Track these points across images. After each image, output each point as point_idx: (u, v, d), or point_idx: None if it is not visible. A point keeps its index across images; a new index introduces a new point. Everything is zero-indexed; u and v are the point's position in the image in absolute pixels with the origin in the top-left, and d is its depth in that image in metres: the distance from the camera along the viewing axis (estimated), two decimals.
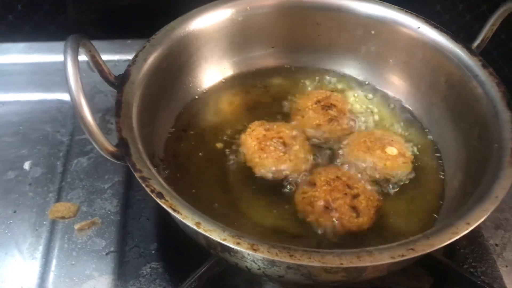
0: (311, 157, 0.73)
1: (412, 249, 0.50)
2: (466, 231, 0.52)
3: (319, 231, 0.66)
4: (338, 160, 0.74)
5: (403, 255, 0.50)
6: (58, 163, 0.82)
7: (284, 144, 0.71)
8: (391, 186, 0.72)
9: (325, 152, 0.75)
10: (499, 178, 0.58)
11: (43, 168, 0.81)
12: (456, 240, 0.74)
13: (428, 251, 0.50)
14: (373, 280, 0.68)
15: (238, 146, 0.75)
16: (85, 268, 0.69)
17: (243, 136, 0.74)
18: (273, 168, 0.70)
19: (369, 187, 0.69)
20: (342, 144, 0.75)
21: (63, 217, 0.74)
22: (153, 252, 0.71)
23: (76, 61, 0.53)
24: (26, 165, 0.81)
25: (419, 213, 0.69)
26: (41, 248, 0.71)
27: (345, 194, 0.66)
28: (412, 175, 0.73)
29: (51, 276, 0.68)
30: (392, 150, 0.71)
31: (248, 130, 0.74)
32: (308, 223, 0.67)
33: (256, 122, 0.75)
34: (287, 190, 0.71)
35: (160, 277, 0.68)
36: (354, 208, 0.66)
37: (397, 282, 0.70)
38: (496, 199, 0.55)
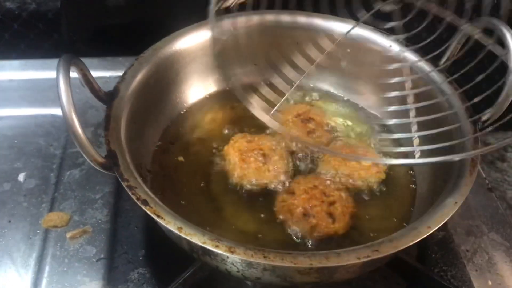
0: (290, 167, 0.77)
1: (376, 250, 0.55)
2: (427, 234, 0.57)
3: (298, 236, 0.70)
4: (317, 170, 0.78)
5: (368, 256, 0.54)
6: (51, 175, 0.86)
7: (264, 155, 0.75)
8: (366, 193, 0.76)
9: (305, 162, 0.80)
10: (459, 186, 0.63)
11: (37, 180, 0.85)
12: (427, 245, 0.80)
13: (392, 252, 0.55)
14: (347, 284, 0.73)
15: (222, 158, 0.79)
16: (76, 275, 0.73)
17: (226, 148, 0.78)
18: (254, 178, 0.74)
19: (344, 194, 0.73)
20: (320, 155, 0.80)
21: (55, 226, 0.78)
22: (141, 258, 0.75)
23: (67, 79, 0.57)
24: (21, 177, 0.84)
25: (391, 219, 0.74)
26: (34, 255, 0.75)
27: (322, 201, 0.71)
28: (383, 186, 0.78)
29: (44, 283, 0.72)
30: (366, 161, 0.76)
31: (231, 142, 0.78)
32: (287, 228, 0.71)
33: (239, 135, 0.79)
34: (268, 198, 0.75)
35: (147, 282, 0.72)
36: (330, 214, 0.70)
37: (371, 287, 0.75)
38: (455, 205, 0.60)
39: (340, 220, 0.70)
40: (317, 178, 0.76)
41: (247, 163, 0.74)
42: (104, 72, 1.01)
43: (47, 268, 0.73)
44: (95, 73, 0.98)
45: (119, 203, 0.82)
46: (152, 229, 0.76)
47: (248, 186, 0.75)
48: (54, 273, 0.73)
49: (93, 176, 0.85)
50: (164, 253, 0.74)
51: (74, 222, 0.79)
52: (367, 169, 0.76)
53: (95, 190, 0.84)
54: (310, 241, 0.70)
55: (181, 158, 0.80)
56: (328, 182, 0.75)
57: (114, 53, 1.04)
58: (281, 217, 0.72)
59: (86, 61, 0.80)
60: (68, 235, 0.77)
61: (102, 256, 0.75)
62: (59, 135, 0.92)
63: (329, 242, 0.70)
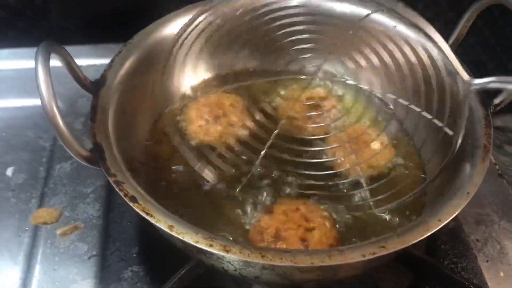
0: None
1: (383, 246, 0.51)
2: (437, 228, 0.53)
3: None
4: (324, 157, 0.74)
5: (374, 253, 0.50)
6: (40, 168, 0.82)
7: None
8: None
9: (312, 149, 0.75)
10: (472, 174, 0.58)
11: (25, 174, 0.81)
12: (435, 236, 0.76)
13: (399, 248, 0.51)
14: (352, 277, 0.69)
15: None
16: (67, 273, 0.70)
17: None
18: None
19: (328, 224, 0.66)
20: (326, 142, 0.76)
21: (45, 223, 0.75)
22: (134, 255, 0.72)
23: (47, 67, 0.53)
24: (9, 171, 0.81)
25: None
26: (23, 254, 0.71)
27: (299, 225, 0.64)
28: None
29: (34, 282, 0.69)
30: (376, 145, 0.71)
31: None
32: None
33: None
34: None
35: (141, 281, 0.69)
36: (303, 241, 0.63)
37: (380, 278, 0.71)
38: (468, 195, 0.56)
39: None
40: (305, 202, 0.68)
41: None
42: (96, 60, 0.98)
43: (37, 267, 0.70)
44: (86, 61, 0.96)
45: (112, 197, 0.78)
46: (146, 225, 0.71)
47: None
48: (45, 271, 0.70)
49: (84, 170, 0.82)
50: (158, 250, 0.71)
51: (65, 218, 0.76)
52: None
53: (87, 184, 0.80)
54: None
55: (175, 149, 0.76)
56: (315, 207, 0.67)
57: (106, 40, 1.00)
58: (252, 238, 0.65)
59: (77, 48, 0.77)
60: (59, 231, 0.74)
61: (94, 253, 0.72)
62: (49, 127, 0.86)
63: None
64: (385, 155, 0.73)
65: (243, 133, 0.75)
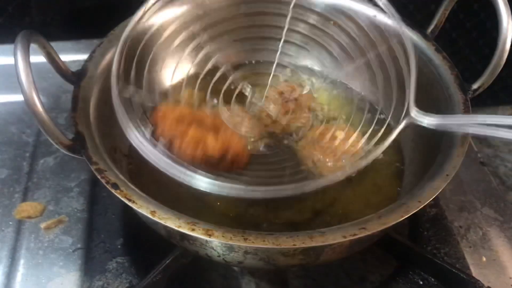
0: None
1: (364, 228, 0.51)
2: (417, 209, 0.53)
3: None
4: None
5: (355, 234, 0.50)
6: (24, 163, 0.82)
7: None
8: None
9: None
10: (450, 157, 0.59)
11: (9, 169, 0.81)
12: (419, 224, 0.77)
13: (380, 229, 0.51)
14: (339, 266, 0.70)
15: None
16: (52, 266, 0.69)
17: None
18: None
19: None
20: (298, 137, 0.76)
21: (29, 217, 0.74)
22: (119, 247, 0.71)
23: (26, 56, 0.53)
24: None
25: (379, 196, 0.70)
26: (7, 248, 0.71)
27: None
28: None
29: (18, 276, 0.68)
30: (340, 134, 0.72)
31: None
32: None
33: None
34: None
35: (126, 271, 0.69)
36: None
37: (367, 269, 0.72)
38: (446, 177, 0.57)
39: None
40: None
41: None
42: (79, 55, 0.96)
43: (21, 261, 0.70)
44: (68, 57, 0.95)
45: (96, 190, 0.78)
46: (130, 217, 0.73)
47: None
48: (29, 265, 0.69)
49: (68, 164, 0.82)
50: (143, 241, 0.71)
51: (49, 212, 0.76)
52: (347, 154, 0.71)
53: (71, 178, 0.80)
54: None
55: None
56: None
57: (88, 35, 1.00)
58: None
59: (60, 44, 0.77)
60: (43, 225, 0.73)
61: (79, 246, 0.72)
62: (32, 122, 0.87)
63: None
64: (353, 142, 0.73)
65: None
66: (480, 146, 1.28)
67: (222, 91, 0.75)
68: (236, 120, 0.72)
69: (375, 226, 0.51)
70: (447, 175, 0.57)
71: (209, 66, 0.80)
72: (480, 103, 1.30)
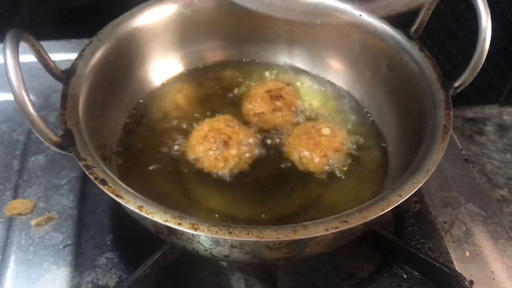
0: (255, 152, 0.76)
1: (345, 221, 0.53)
2: (398, 203, 0.55)
3: None
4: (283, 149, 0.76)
5: (337, 227, 0.52)
6: (14, 161, 0.82)
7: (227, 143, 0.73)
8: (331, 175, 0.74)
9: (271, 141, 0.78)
10: (431, 153, 0.60)
11: None
12: (403, 219, 0.79)
13: (361, 222, 0.53)
14: (328, 263, 0.71)
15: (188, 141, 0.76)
16: (42, 262, 0.70)
17: (190, 138, 0.76)
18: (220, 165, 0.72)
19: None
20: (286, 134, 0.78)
21: (20, 214, 0.75)
22: (108, 243, 0.72)
23: (16, 54, 0.54)
24: None
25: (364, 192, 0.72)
26: None
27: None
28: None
29: (9, 272, 0.69)
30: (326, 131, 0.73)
31: (193, 131, 0.76)
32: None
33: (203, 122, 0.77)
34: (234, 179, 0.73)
35: (116, 267, 0.70)
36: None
37: (355, 266, 0.73)
38: (427, 172, 0.58)
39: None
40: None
41: (209, 154, 0.72)
42: (69, 55, 0.96)
43: (12, 257, 0.71)
44: (59, 56, 0.95)
45: (86, 187, 0.79)
46: (120, 213, 0.73)
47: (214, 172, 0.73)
48: (19, 262, 0.70)
49: (58, 161, 0.82)
50: (132, 236, 0.71)
51: (39, 209, 0.76)
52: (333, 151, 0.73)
53: (61, 175, 0.81)
54: None
55: (148, 139, 0.77)
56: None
57: (78, 34, 1.01)
58: None
59: (50, 43, 0.78)
60: (33, 222, 0.74)
61: (69, 242, 0.73)
62: (23, 120, 0.87)
63: None
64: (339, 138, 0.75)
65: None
66: (467, 144, 1.30)
67: None
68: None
69: (356, 219, 0.53)
70: (427, 170, 0.58)
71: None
72: (468, 101, 1.32)
